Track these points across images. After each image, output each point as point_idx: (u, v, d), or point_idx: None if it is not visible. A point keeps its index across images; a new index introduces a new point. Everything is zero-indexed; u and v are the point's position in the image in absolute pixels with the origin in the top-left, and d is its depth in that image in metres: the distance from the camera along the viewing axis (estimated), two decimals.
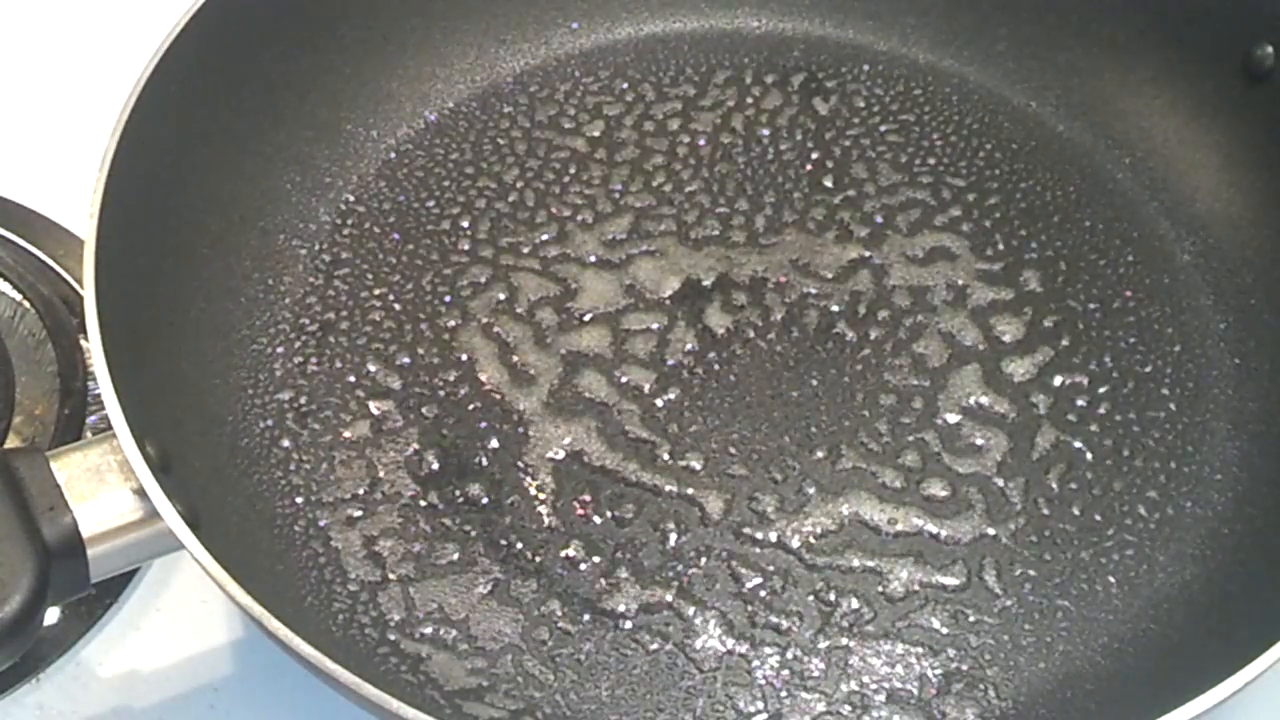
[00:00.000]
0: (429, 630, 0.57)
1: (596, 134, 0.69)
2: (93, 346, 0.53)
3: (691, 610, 0.57)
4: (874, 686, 0.56)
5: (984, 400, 0.62)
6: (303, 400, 0.62)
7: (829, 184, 0.68)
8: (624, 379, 0.62)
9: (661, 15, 0.72)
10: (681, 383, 0.62)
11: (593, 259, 0.65)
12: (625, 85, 0.71)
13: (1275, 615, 0.52)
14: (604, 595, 0.57)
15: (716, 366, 0.63)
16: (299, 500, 0.59)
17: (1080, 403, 0.62)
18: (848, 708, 0.55)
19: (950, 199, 0.67)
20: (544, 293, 0.65)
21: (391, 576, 0.58)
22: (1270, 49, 0.64)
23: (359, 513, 0.59)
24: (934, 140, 0.69)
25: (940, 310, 0.64)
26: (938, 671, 0.56)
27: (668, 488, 0.60)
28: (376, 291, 0.65)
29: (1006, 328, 0.64)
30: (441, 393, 0.62)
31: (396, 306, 0.64)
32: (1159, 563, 0.58)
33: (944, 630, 0.57)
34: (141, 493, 0.51)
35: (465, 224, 0.67)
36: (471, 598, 0.57)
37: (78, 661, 0.60)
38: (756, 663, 0.56)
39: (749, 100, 0.70)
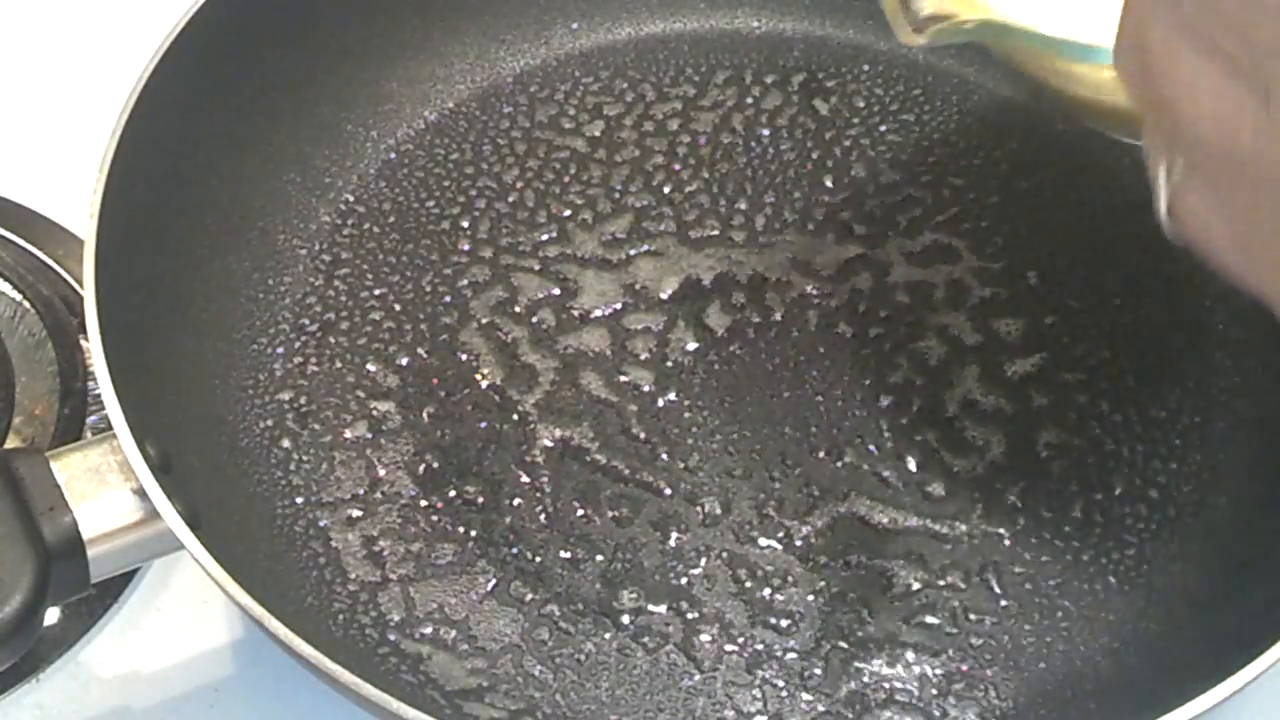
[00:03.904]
0: (429, 630, 0.57)
1: (596, 134, 0.69)
2: (93, 346, 0.53)
3: (691, 610, 0.57)
4: (874, 686, 0.56)
5: (984, 399, 0.62)
6: (303, 400, 0.62)
7: (829, 183, 0.68)
8: (624, 379, 0.62)
9: (661, 15, 0.72)
10: (681, 383, 0.62)
11: (593, 259, 0.65)
12: (625, 85, 0.71)
13: (1275, 615, 0.52)
14: (604, 595, 0.57)
15: (717, 366, 0.63)
16: (299, 500, 0.59)
17: (1080, 402, 0.62)
18: (848, 708, 0.55)
19: (950, 198, 0.67)
20: (544, 293, 0.65)
21: (391, 576, 0.58)
22: None
23: (359, 513, 0.59)
24: (934, 140, 0.69)
25: (940, 309, 0.64)
26: (938, 671, 0.56)
27: (668, 488, 0.60)
28: (376, 291, 0.65)
29: (1006, 327, 0.64)
30: (441, 393, 0.62)
31: (396, 306, 0.64)
32: (1159, 563, 0.58)
33: (944, 630, 0.57)
34: (141, 493, 0.51)
35: (465, 224, 0.67)
36: (471, 598, 0.57)
37: (78, 661, 0.60)
38: (756, 663, 0.56)
39: (749, 100, 0.70)
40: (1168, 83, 0.39)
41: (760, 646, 0.56)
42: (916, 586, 0.58)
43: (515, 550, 0.58)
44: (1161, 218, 0.41)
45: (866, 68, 0.71)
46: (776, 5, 0.72)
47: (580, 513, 0.59)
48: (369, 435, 0.61)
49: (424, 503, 0.60)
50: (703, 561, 0.58)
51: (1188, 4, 0.38)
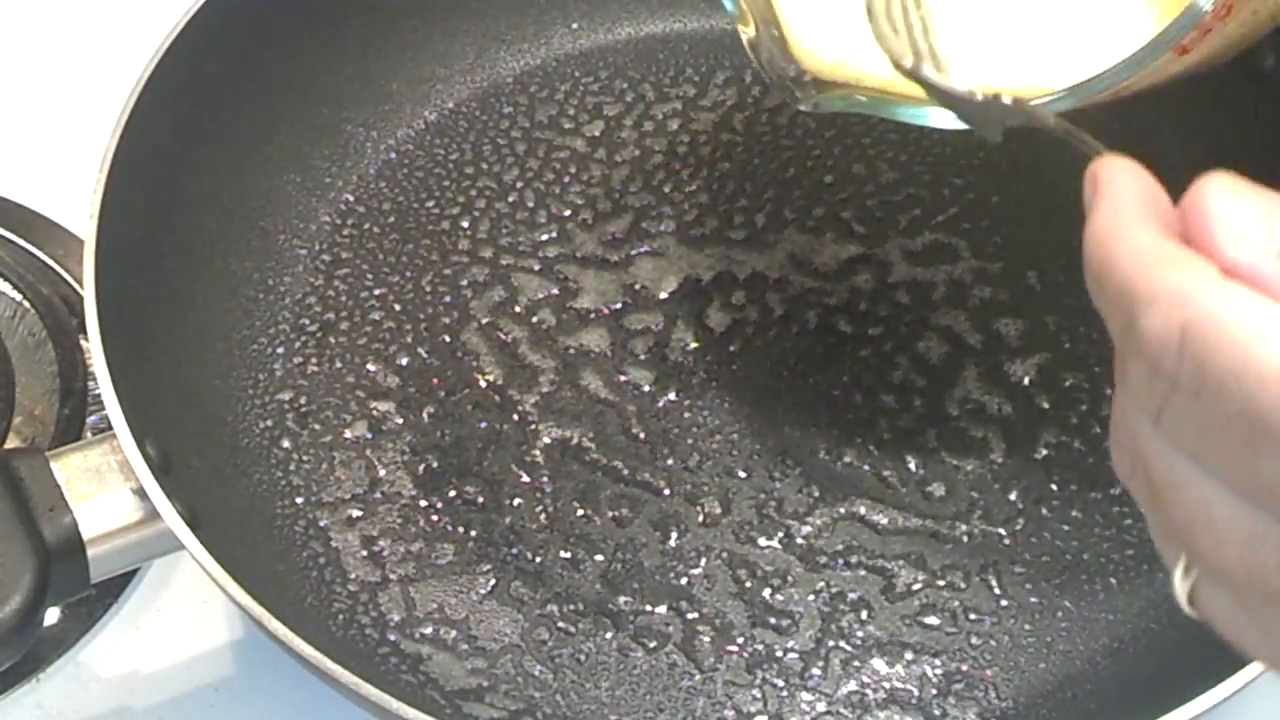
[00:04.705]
0: (429, 630, 0.57)
1: (596, 134, 0.69)
2: (93, 346, 0.54)
3: (691, 610, 0.57)
4: (874, 686, 0.56)
5: (984, 400, 0.62)
6: (303, 400, 0.62)
7: (829, 182, 0.68)
8: (624, 378, 0.62)
9: (661, 15, 0.72)
10: (681, 382, 0.62)
11: (593, 259, 0.65)
12: (625, 85, 0.71)
13: None
14: (604, 595, 0.57)
15: (716, 366, 0.63)
16: (299, 500, 0.59)
17: (1081, 402, 0.62)
18: (848, 708, 0.55)
19: (950, 198, 0.67)
20: (544, 293, 0.65)
21: (391, 576, 0.58)
22: (1269, 51, 0.64)
23: (359, 513, 0.59)
24: (934, 140, 0.69)
25: (940, 309, 0.64)
26: (938, 671, 0.56)
27: (667, 488, 0.60)
28: (376, 291, 0.65)
29: (1006, 327, 0.64)
30: (441, 393, 0.62)
31: (396, 306, 0.64)
32: (1159, 563, 0.58)
33: (944, 630, 0.57)
34: (141, 493, 0.51)
35: (465, 224, 0.67)
36: (471, 598, 0.57)
37: (78, 661, 0.60)
38: (756, 663, 0.56)
39: (749, 100, 0.70)
40: (1175, 504, 0.34)
41: (760, 646, 0.56)
42: (916, 586, 0.58)
43: (515, 550, 0.58)
44: (1182, 605, 0.37)
45: None
46: None
47: (580, 513, 0.59)
48: (369, 435, 0.61)
49: (424, 503, 0.60)
50: (703, 561, 0.58)
51: (1186, 435, 0.33)
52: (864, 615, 0.57)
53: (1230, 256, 0.33)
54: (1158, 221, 0.34)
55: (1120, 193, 0.35)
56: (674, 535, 0.59)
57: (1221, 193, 0.34)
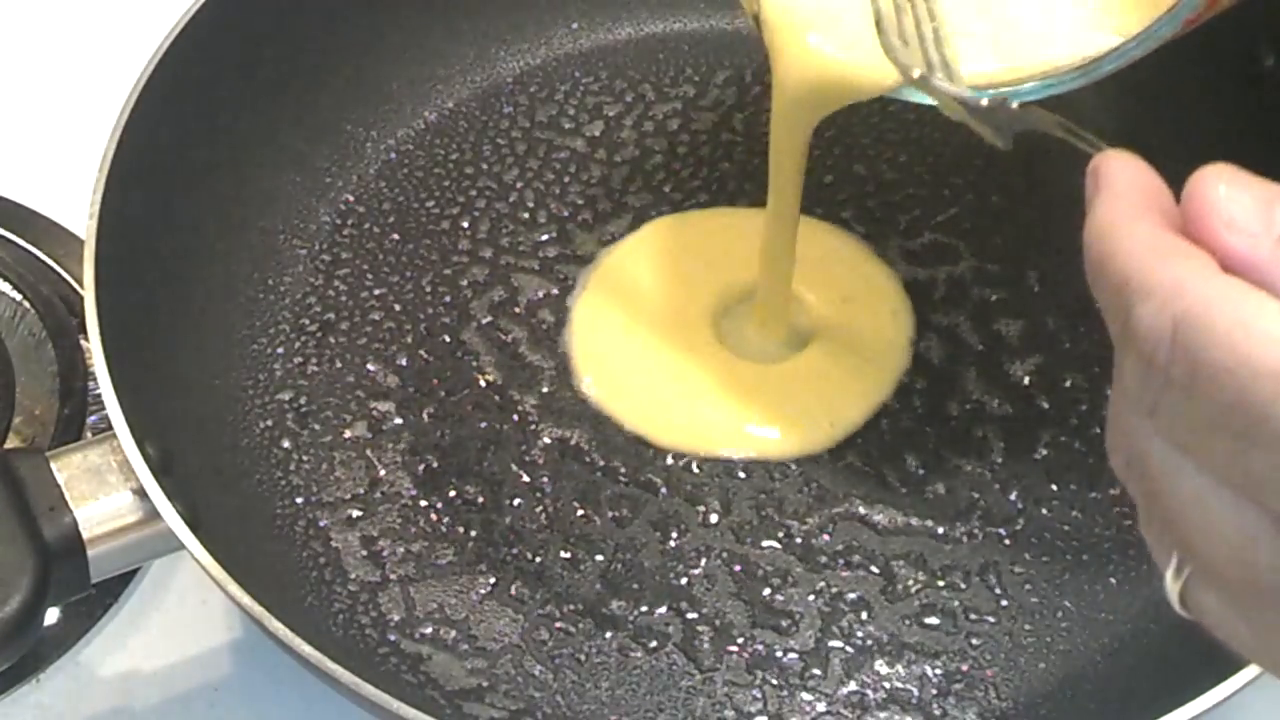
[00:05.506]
0: (429, 630, 0.57)
1: (596, 134, 0.69)
2: (93, 346, 0.54)
3: (691, 610, 0.57)
4: (874, 686, 0.56)
5: (984, 400, 0.62)
6: (303, 400, 0.62)
7: (829, 182, 0.68)
8: None
9: (661, 15, 0.72)
10: None
11: (593, 259, 0.65)
12: (625, 85, 0.71)
13: None
14: (604, 595, 0.57)
15: None
16: (299, 500, 0.59)
17: (1081, 403, 0.62)
18: (848, 708, 0.55)
19: (950, 198, 0.67)
20: (544, 293, 0.65)
21: (391, 576, 0.58)
22: (1269, 51, 0.64)
23: (359, 513, 0.59)
24: (934, 140, 0.69)
25: (940, 309, 0.64)
26: (938, 671, 0.56)
27: (667, 488, 0.60)
28: (376, 291, 0.65)
29: (1007, 327, 0.64)
30: (441, 393, 0.62)
31: (396, 306, 0.64)
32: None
33: (944, 630, 0.57)
34: (141, 493, 0.51)
35: (465, 224, 0.67)
36: (471, 598, 0.57)
37: (78, 661, 0.60)
38: (756, 663, 0.56)
39: (749, 100, 0.70)
40: (1168, 499, 0.34)
41: (760, 646, 0.56)
42: (916, 586, 0.58)
43: (515, 550, 0.58)
44: (1174, 605, 0.37)
45: None
46: None
47: (580, 513, 0.59)
48: (369, 435, 0.61)
49: (424, 503, 0.60)
50: (703, 561, 0.58)
51: (1179, 430, 0.33)
52: (864, 615, 0.57)
53: (1228, 245, 0.33)
54: (1157, 214, 0.34)
55: (1120, 187, 0.35)
56: (674, 535, 0.59)
57: (1220, 182, 0.33)
